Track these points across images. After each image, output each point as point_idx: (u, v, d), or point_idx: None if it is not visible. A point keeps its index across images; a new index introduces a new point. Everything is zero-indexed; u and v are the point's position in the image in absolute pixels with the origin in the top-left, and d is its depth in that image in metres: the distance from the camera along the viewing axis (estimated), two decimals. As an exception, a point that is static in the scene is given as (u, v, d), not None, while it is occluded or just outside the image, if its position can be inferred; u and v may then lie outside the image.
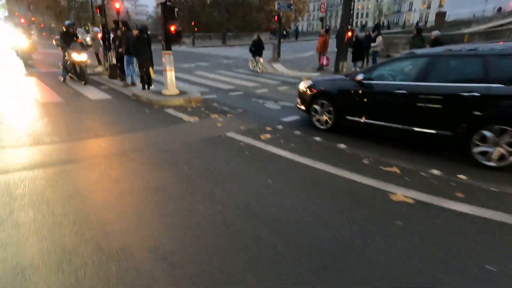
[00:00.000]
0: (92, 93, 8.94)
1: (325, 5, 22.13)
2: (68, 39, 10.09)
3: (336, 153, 4.90)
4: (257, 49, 14.56)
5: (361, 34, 16.03)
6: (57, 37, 10.72)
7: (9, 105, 7.46)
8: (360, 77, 5.28)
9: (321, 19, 33.64)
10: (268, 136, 5.60)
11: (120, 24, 9.93)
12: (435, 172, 4.12)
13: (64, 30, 10.60)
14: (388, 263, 2.48)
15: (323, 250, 2.64)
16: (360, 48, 13.64)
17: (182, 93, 8.52)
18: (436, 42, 9.69)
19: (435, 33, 11.16)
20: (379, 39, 13.97)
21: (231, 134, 5.69)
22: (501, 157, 3.99)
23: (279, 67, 16.21)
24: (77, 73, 10.07)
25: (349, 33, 12.56)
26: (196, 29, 38.45)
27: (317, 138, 5.54)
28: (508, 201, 3.42)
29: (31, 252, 2.55)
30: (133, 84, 9.74)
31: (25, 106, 7.39)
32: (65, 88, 9.60)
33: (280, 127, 6.19)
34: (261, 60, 14.75)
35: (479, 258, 2.50)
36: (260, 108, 7.79)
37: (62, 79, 10.48)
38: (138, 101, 8.27)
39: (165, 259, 2.51)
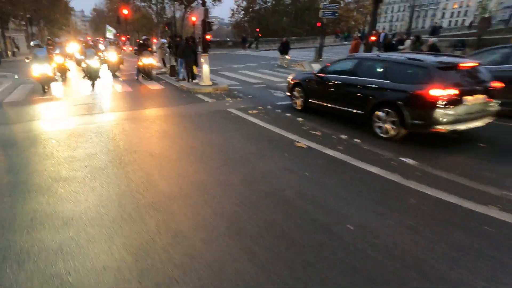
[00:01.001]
0: (153, 86, 12.24)
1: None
2: (142, 49, 13.68)
3: (292, 123, 6.91)
4: (284, 49, 17.78)
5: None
6: (136, 47, 14.57)
7: (97, 94, 10.99)
8: (316, 71, 7.24)
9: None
10: (255, 111, 7.84)
11: (168, 39, 13.28)
12: (343, 136, 5.89)
13: (141, 42, 14.36)
14: (264, 169, 4.66)
15: (233, 160, 4.89)
16: (391, 50, 14.83)
17: (213, 84, 11.24)
18: (432, 48, 10.93)
19: (432, 40, 12.32)
20: (407, 42, 14.96)
21: (230, 110, 8.10)
22: (386, 131, 5.63)
23: (316, 66, 18.05)
24: (145, 72, 13.55)
25: (371, 37, 13.97)
26: (260, 34, 41.79)
27: (288, 114, 7.60)
28: (363, 153, 5.03)
29: (88, 153, 5.35)
30: (184, 79, 12.78)
31: (107, 94, 10.87)
32: (136, 83, 13.14)
33: (269, 107, 8.36)
34: (287, 57, 18.06)
35: (310, 172, 4.47)
36: (267, 96, 10.00)
37: (135, 77, 14.09)
38: (181, 90, 11.24)
39: (148, 155, 5.08)
